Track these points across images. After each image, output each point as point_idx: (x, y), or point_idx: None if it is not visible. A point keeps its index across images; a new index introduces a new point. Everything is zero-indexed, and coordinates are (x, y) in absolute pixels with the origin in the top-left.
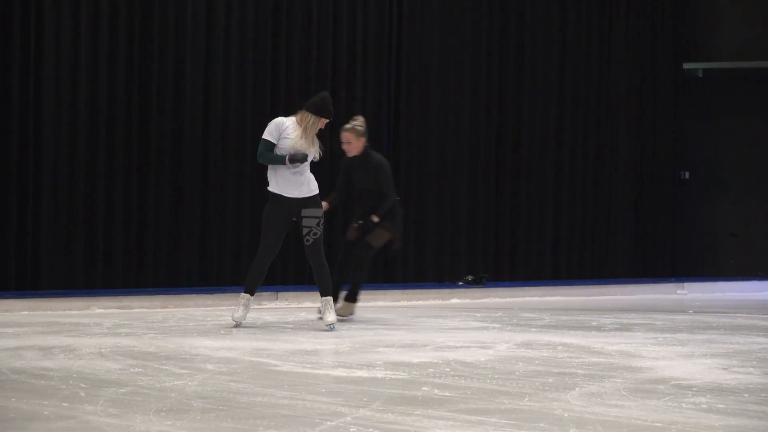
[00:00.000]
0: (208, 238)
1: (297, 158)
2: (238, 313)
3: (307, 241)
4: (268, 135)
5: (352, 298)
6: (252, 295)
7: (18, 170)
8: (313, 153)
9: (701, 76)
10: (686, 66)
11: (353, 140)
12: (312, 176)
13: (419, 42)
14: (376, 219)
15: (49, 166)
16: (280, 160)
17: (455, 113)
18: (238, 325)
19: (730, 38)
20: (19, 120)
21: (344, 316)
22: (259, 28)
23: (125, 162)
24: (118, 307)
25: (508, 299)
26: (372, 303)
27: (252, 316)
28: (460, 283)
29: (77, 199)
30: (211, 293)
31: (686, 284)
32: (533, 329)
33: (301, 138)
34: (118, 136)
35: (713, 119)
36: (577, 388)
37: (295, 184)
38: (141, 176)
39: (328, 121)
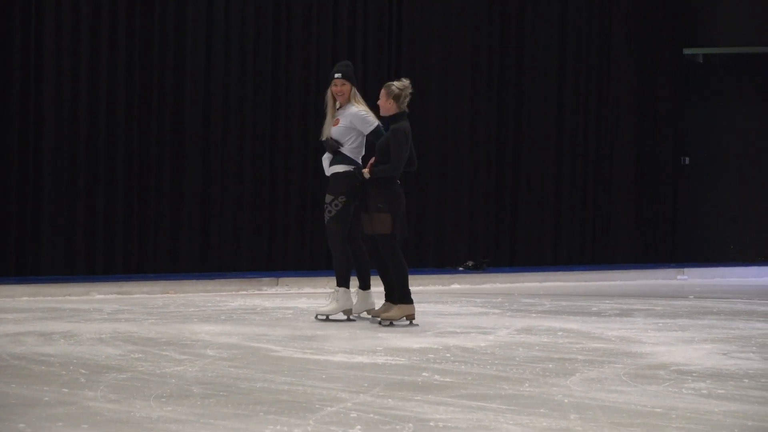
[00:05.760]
0: (209, 224)
1: (325, 145)
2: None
3: (324, 219)
4: None
5: (400, 299)
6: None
7: (18, 155)
8: (332, 130)
9: (701, 61)
10: (686, 51)
11: (382, 98)
12: (344, 155)
13: (420, 20)
14: (366, 174)
15: (49, 152)
16: None
17: (456, 99)
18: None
19: (730, 23)
20: (19, 105)
21: (393, 318)
22: (260, 10)
23: (125, 148)
24: (119, 293)
25: (508, 285)
26: (372, 288)
27: (252, 302)
28: (461, 268)
29: (78, 185)
30: (212, 279)
31: (686, 269)
32: (533, 315)
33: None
34: (119, 122)
35: (713, 104)
36: (577, 374)
37: (326, 161)
38: (141, 161)
39: (335, 82)
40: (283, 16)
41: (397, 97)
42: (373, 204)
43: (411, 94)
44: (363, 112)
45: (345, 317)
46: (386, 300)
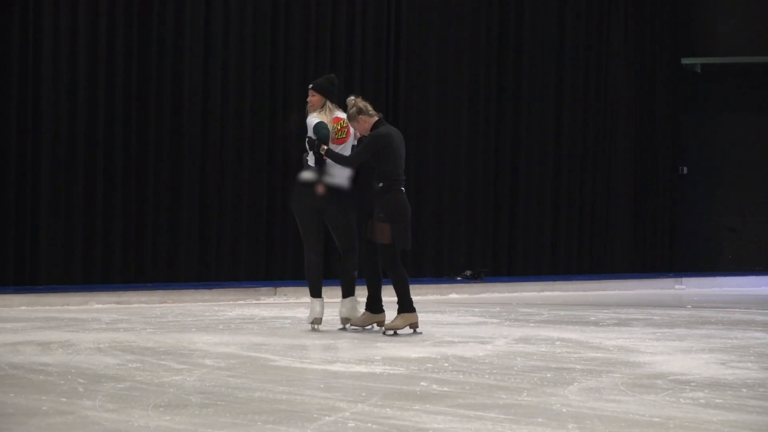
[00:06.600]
0: (207, 234)
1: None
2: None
3: None
4: None
5: (403, 308)
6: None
7: (16, 165)
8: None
9: (699, 71)
10: (684, 61)
11: (354, 126)
12: (309, 163)
13: (418, 32)
14: (324, 149)
15: (47, 162)
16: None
17: (453, 110)
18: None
19: (728, 33)
20: (17, 115)
21: (397, 328)
22: (258, 9)
23: (124, 157)
24: (117, 303)
25: (506, 294)
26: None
27: (250, 311)
28: (459, 278)
29: (76, 194)
30: (210, 288)
31: (684, 279)
32: (531, 324)
33: None
34: (117, 132)
35: (711, 114)
36: (575, 383)
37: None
38: (139, 171)
39: (310, 91)
40: (282, 19)
41: (360, 111)
42: (376, 212)
43: (367, 100)
44: (308, 118)
45: (313, 327)
46: (366, 309)
